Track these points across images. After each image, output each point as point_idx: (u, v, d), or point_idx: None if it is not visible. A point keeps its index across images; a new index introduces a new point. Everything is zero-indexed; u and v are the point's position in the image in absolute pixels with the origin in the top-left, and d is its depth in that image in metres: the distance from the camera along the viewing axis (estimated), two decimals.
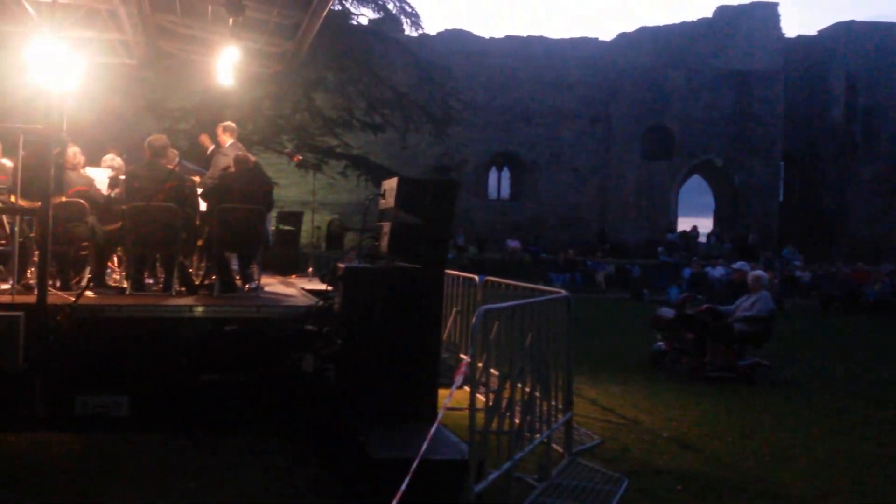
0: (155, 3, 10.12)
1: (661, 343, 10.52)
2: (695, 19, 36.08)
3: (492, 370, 5.17)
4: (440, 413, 4.27)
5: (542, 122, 33.69)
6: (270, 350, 6.87)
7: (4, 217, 6.96)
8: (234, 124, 9.41)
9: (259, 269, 8.40)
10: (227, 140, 9.06)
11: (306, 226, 21.01)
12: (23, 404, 6.06)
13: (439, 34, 33.66)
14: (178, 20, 10.66)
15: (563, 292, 6.47)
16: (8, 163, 7.33)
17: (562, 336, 6.05)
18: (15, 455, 5.43)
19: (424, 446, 3.97)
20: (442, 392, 6.22)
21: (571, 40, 35.04)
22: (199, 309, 6.89)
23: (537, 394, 5.49)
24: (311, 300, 7.43)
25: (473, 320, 4.55)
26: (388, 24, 26.14)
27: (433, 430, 4.14)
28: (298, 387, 6.60)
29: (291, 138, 22.66)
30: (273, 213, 12.65)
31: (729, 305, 10.22)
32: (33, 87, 6.50)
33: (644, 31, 35.77)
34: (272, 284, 9.28)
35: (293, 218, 12.55)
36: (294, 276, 10.83)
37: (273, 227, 12.46)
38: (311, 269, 11.35)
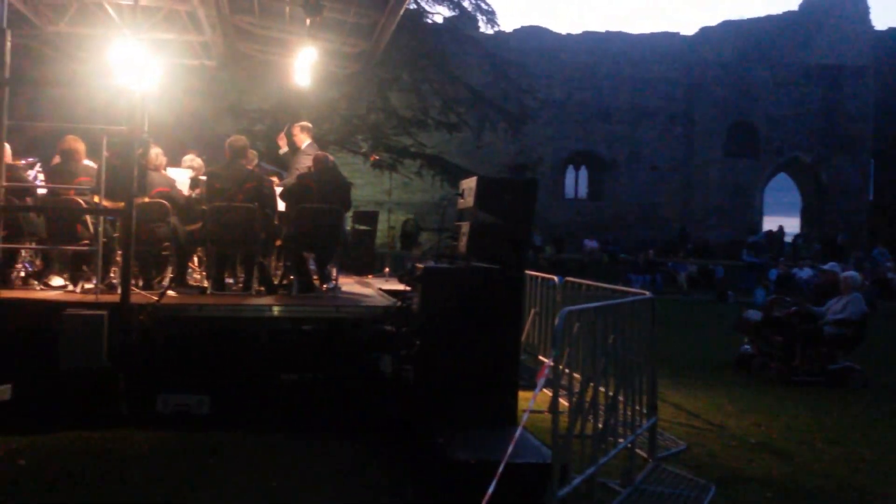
0: (234, 5, 10.33)
1: (747, 346, 10.31)
2: (780, 12, 35.14)
3: (573, 373, 5.08)
4: (524, 416, 4.19)
5: (620, 120, 33.16)
6: (349, 350, 6.92)
7: (88, 217, 7.17)
8: (310, 124, 9.50)
9: (337, 269, 8.47)
10: (305, 140, 9.15)
11: (381, 225, 21.18)
12: (106, 402, 6.25)
13: (515, 31, 33.50)
14: (256, 21, 10.87)
15: (647, 293, 6.32)
16: (91, 164, 7.56)
17: (646, 338, 5.91)
18: (99, 452, 5.56)
19: (510, 449, 3.90)
20: (521, 394, 6.16)
21: (651, 35, 34.41)
22: (279, 309, 6.98)
23: (620, 397, 5.38)
24: (389, 300, 7.46)
25: (556, 322, 4.46)
26: (463, 22, 26.11)
27: (518, 433, 4.07)
28: (376, 387, 6.63)
29: (366, 138, 22.85)
30: (349, 213, 12.78)
31: (819, 308, 9.90)
32: (115, 89, 6.68)
33: (727, 25, 34.89)
34: (349, 284, 9.35)
35: (369, 218, 12.62)
36: (370, 276, 10.89)
37: (349, 227, 12.58)
38: (387, 270, 11.38)
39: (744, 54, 33.41)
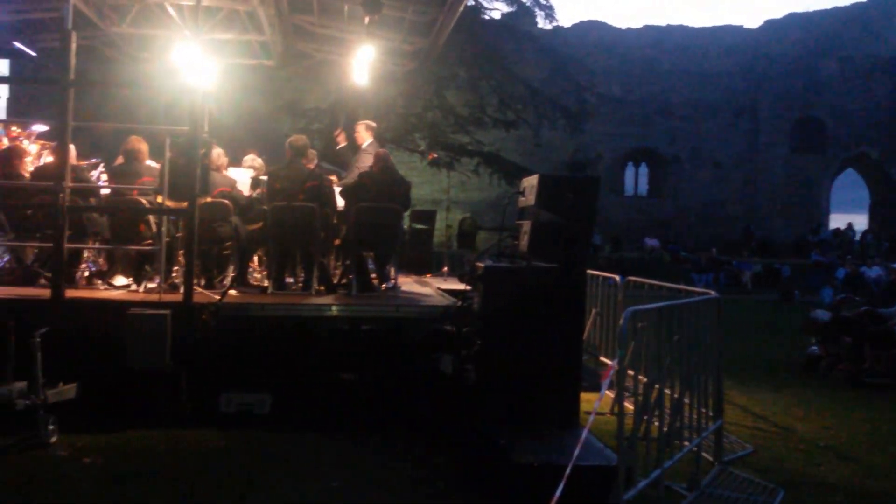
0: (293, 4, 10.46)
1: (815, 347, 10.12)
2: (848, 3, 34.10)
3: (638, 374, 5.00)
4: (591, 418, 4.14)
5: (682, 115, 32.65)
6: (408, 350, 6.94)
7: (151, 217, 7.32)
8: (373, 123, 9.52)
9: (395, 269, 8.49)
10: (367, 139, 9.17)
11: (438, 224, 21.22)
12: (169, 401, 6.37)
13: (574, 26, 33.26)
14: (315, 20, 10.99)
15: (713, 293, 6.20)
16: (154, 164, 7.71)
17: (712, 339, 5.80)
18: (163, 450, 5.67)
19: (577, 452, 3.86)
20: (583, 396, 6.10)
21: (714, 28, 33.83)
22: (339, 308, 7.03)
23: (686, 399, 5.30)
24: (448, 300, 7.45)
25: (620, 321, 4.39)
26: (521, 18, 26.01)
27: (584, 435, 4.03)
28: (437, 388, 6.63)
29: (423, 136, 22.93)
30: (406, 212, 12.81)
31: (889, 308, 9.62)
32: (177, 90, 6.80)
33: (793, 18, 34.07)
34: (407, 284, 9.37)
35: (427, 216, 12.65)
36: (429, 275, 10.90)
37: (406, 226, 12.62)
38: (446, 269, 11.38)
39: (810, 47, 32.59)
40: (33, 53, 11.88)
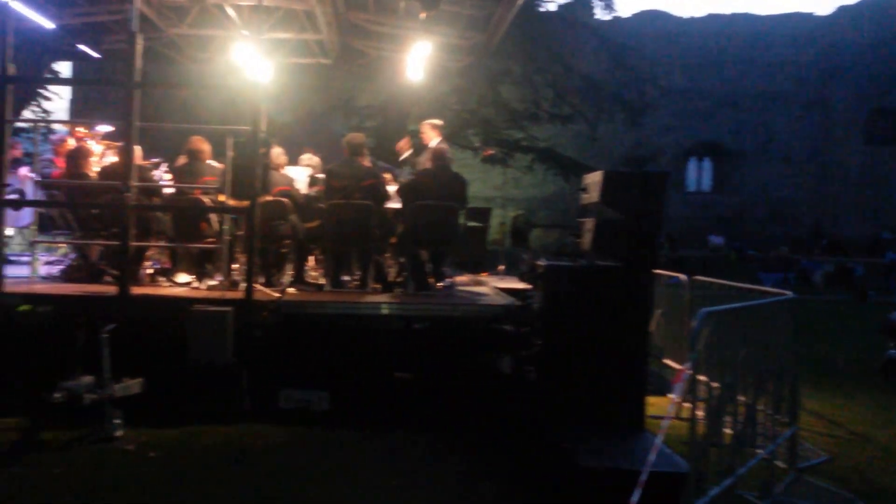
0: (349, 2, 10.61)
1: (894, 350, 9.83)
2: None
3: (703, 377, 4.99)
4: (665, 422, 4.15)
5: (748, 107, 32.10)
6: (466, 349, 7.01)
7: (213, 216, 7.53)
8: (440, 122, 9.56)
9: (452, 267, 8.56)
10: (434, 138, 9.20)
11: (492, 221, 21.19)
12: (231, 396, 6.56)
13: (634, 16, 32.97)
14: (371, 17, 11.12)
15: (788, 293, 6.12)
16: (215, 164, 7.93)
17: (786, 341, 5.73)
18: (224, 445, 5.84)
19: (653, 458, 3.88)
20: (647, 399, 6.09)
21: (782, 16, 33.18)
22: (397, 307, 7.14)
23: (759, 405, 5.24)
24: (507, 299, 7.50)
25: (693, 323, 4.38)
26: (578, 9, 25.86)
27: (659, 440, 4.04)
28: (496, 388, 6.69)
29: (477, 132, 22.95)
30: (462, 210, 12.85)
31: None
32: (235, 90, 6.97)
33: (867, 4, 33.23)
34: (463, 282, 9.44)
35: (481, 214, 12.67)
36: (485, 273, 10.94)
37: (461, 223, 12.64)
38: (502, 267, 11.41)
39: (885, 34, 31.73)
40: (97, 56, 12.26)
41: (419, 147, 9.52)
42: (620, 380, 5.76)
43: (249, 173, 6.74)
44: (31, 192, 9.08)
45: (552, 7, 25.44)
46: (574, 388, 5.74)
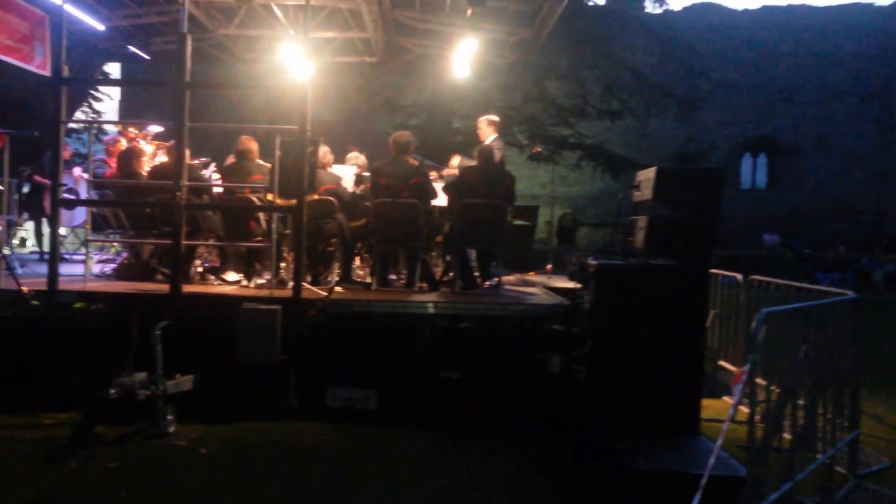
0: (395, 0, 10.70)
1: None
2: None
3: (761, 380, 4.93)
4: (725, 426, 4.11)
5: (805, 102, 31.44)
6: (514, 349, 7.01)
7: (261, 214, 7.65)
8: (496, 118, 9.57)
9: (499, 266, 8.57)
10: (490, 134, 9.23)
11: (540, 220, 21.14)
12: (278, 394, 6.66)
13: (685, 9, 32.51)
14: (417, 15, 11.19)
15: (848, 293, 6.01)
16: (263, 163, 8.04)
17: (847, 343, 5.63)
18: (273, 443, 5.93)
19: (713, 461, 3.85)
20: (702, 402, 6.04)
21: (840, 7, 32.42)
22: (444, 306, 7.17)
23: (819, 409, 5.17)
24: (556, 298, 7.49)
25: (753, 324, 4.34)
26: (627, 2, 25.65)
27: (718, 444, 4.01)
28: (545, 388, 6.68)
29: (522, 130, 22.86)
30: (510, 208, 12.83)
31: None
32: (283, 89, 7.05)
33: None
34: (511, 281, 9.44)
35: (528, 212, 12.64)
36: (532, 272, 10.93)
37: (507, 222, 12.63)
38: (549, 266, 11.38)
39: None
40: (147, 57, 12.54)
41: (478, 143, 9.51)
42: (675, 382, 5.70)
43: (296, 172, 6.83)
44: (84, 192, 9.32)
45: (600, 1, 25.30)
46: (626, 390, 5.70)
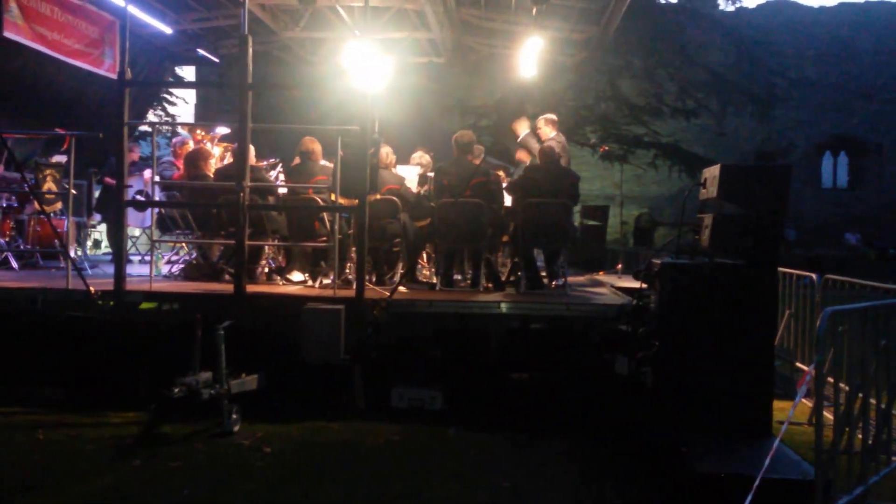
0: None
1: None
2: None
3: (838, 381, 4.72)
4: (783, 427, 3.96)
5: (885, 99, 30.26)
6: (580, 350, 6.90)
7: (325, 215, 7.69)
8: (554, 116, 9.50)
9: (566, 266, 8.46)
10: (549, 132, 9.17)
11: (612, 220, 20.89)
12: (344, 394, 6.68)
13: (760, 7, 31.74)
14: (482, 14, 11.16)
15: None
16: (328, 164, 8.10)
17: None
18: (338, 443, 5.93)
19: (767, 463, 3.70)
20: (776, 404, 5.85)
21: None
22: (508, 306, 7.09)
23: (894, 410, 4.94)
24: (623, 298, 7.34)
25: (818, 323, 4.16)
26: (701, 1, 25.16)
27: (776, 445, 3.86)
28: (611, 389, 6.56)
29: (595, 129, 22.60)
30: (577, 208, 12.69)
31: None
32: (348, 90, 7.08)
33: None
34: (579, 281, 9.32)
35: (599, 212, 12.48)
36: (601, 272, 10.78)
37: (577, 223, 12.51)
38: (620, 266, 11.21)
39: None
40: (216, 60, 12.79)
41: (535, 141, 9.45)
42: (744, 383, 5.55)
43: (358, 172, 6.85)
44: (155, 194, 9.52)
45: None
46: (693, 392, 5.57)
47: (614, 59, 21.07)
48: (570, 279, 8.73)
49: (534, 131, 9.64)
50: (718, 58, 25.23)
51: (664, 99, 23.19)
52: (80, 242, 10.08)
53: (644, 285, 6.46)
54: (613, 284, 8.69)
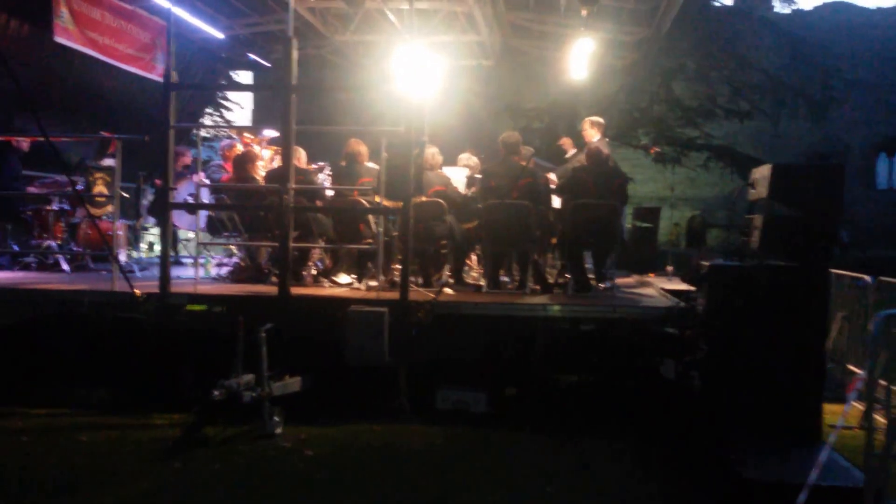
0: (509, 2, 10.57)
1: None
2: None
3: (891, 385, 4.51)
4: (832, 434, 3.78)
5: None
6: (626, 353, 6.75)
7: (371, 217, 7.64)
8: (601, 119, 9.36)
9: (614, 268, 8.29)
10: (595, 135, 9.04)
11: (664, 222, 20.55)
12: (388, 396, 6.61)
13: (816, 9, 31.05)
14: (532, 16, 11.04)
15: None
16: (374, 166, 8.05)
17: None
18: (381, 445, 5.87)
19: (814, 470, 3.53)
20: (827, 408, 5.65)
21: None
22: (552, 308, 6.95)
23: None
24: (670, 301, 7.16)
25: (870, 327, 3.98)
26: (755, 3, 24.69)
27: (825, 452, 3.68)
28: (658, 393, 6.41)
29: (648, 131, 22.29)
30: (628, 210, 12.47)
31: None
32: (397, 93, 7.02)
33: None
34: (628, 283, 9.12)
35: (650, 214, 12.24)
36: (652, 274, 10.57)
37: (628, 224, 12.30)
38: (670, 268, 10.97)
39: None
40: (268, 64, 12.89)
41: (581, 144, 9.33)
42: (794, 387, 5.38)
43: (402, 174, 6.78)
44: (206, 197, 9.58)
45: (727, 1, 24.45)
46: (742, 396, 5.42)
47: (668, 61, 20.75)
48: (620, 281, 8.58)
49: (577, 135, 9.52)
50: (773, 60, 24.72)
51: (717, 101, 22.79)
52: (132, 245, 10.19)
53: (692, 287, 6.29)
54: (663, 287, 8.49)
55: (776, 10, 25.98)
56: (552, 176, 9.23)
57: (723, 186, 24.89)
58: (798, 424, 5.34)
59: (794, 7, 25.93)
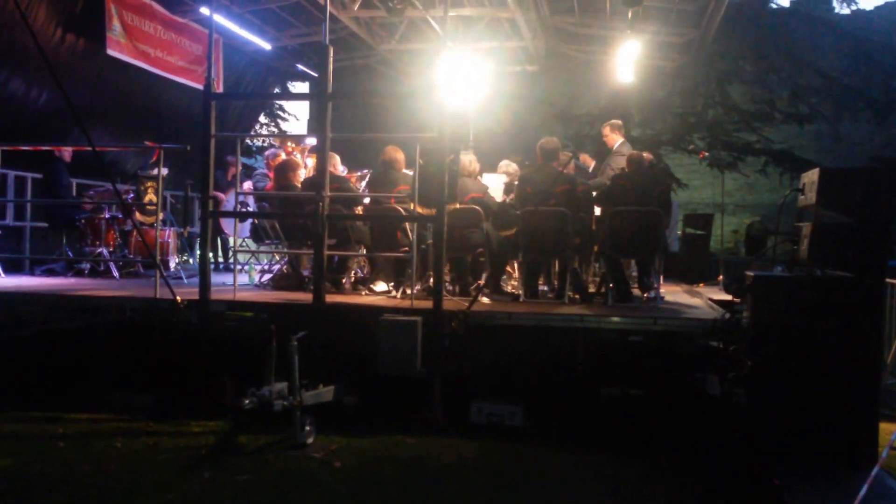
0: (553, 6, 10.25)
1: None
2: None
3: None
4: (882, 454, 3.36)
5: None
6: (668, 366, 6.35)
7: (407, 224, 7.37)
8: (619, 121, 9.04)
9: (659, 277, 7.85)
10: (617, 139, 8.81)
11: (720, 229, 19.88)
12: (422, 408, 6.32)
13: (877, 9, 30.00)
14: (576, 20, 10.69)
15: None
16: (410, 173, 7.77)
17: None
18: (411, 459, 5.59)
19: (862, 493, 3.13)
20: (884, 427, 5.16)
21: None
22: (590, 319, 6.55)
23: None
24: (715, 313, 6.70)
25: None
26: (814, 4, 23.81)
27: (872, 475, 3.27)
28: (702, 410, 6.01)
29: (703, 136, 21.61)
30: (679, 217, 11.97)
31: None
32: (442, 100, 6.73)
33: None
34: (675, 293, 8.65)
35: (702, 221, 11.73)
36: (701, 284, 10.07)
37: (680, 231, 11.80)
38: (721, 278, 10.45)
39: None
40: (314, 74, 12.74)
41: (603, 149, 9.02)
42: (846, 406, 4.91)
43: (436, 181, 6.48)
44: (253, 205, 9.48)
45: (784, 2, 23.62)
46: (789, 416, 4.98)
47: (723, 64, 20.10)
48: (668, 290, 8.12)
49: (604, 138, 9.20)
50: (833, 61, 23.80)
51: (776, 104, 21.99)
52: (182, 252, 10.15)
53: (736, 298, 5.85)
54: (710, 297, 7.99)
55: (836, 10, 25.00)
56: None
57: (782, 192, 24.07)
58: (850, 446, 4.87)
59: (855, 7, 24.89)
